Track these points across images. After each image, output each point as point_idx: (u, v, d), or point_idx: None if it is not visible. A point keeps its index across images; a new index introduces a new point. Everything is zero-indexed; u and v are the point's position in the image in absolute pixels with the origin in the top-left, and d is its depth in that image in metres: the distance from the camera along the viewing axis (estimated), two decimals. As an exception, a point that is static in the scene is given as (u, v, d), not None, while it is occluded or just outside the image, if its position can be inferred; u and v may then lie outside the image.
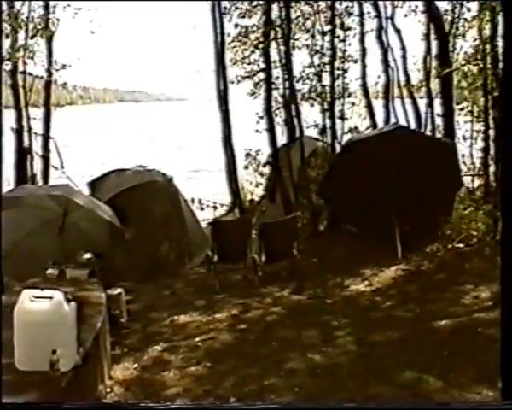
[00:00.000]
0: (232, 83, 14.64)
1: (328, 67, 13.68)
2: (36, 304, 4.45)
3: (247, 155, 14.98)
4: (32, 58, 13.40)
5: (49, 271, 6.93)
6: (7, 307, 4.71)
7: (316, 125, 14.04)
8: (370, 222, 9.97)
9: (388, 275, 8.83)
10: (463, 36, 13.27)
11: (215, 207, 14.84)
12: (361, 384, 5.31)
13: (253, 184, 15.48)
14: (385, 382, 5.31)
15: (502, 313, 3.45)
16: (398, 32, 14.03)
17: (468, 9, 13.04)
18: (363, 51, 14.21)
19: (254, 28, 14.47)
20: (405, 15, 14.21)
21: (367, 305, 7.73)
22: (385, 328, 6.72)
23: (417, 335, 6.43)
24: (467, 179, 12.30)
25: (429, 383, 5.18)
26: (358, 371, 5.63)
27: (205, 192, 15.40)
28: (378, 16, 13.97)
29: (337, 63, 13.69)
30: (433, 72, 13.56)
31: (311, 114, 14.15)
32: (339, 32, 13.80)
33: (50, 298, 4.47)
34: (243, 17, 14.53)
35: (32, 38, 13.36)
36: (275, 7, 13.44)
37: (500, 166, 10.18)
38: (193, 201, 13.33)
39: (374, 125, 14.08)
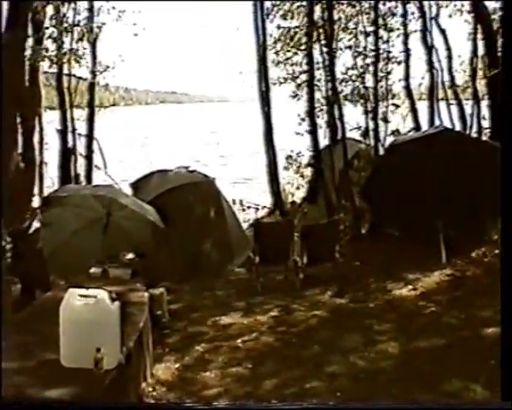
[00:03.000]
0: (274, 84, 14.63)
1: (371, 69, 13.51)
2: (81, 303, 4.51)
3: (289, 156, 14.94)
4: (78, 62, 13.63)
5: (93, 269, 7.03)
6: (53, 305, 4.78)
7: (359, 128, 13.88)
8: (414, 225, 9.78)
9: (432, 280, 8.64)
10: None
11: (257, 209, 14.84)
12: (404, 391, 5.19)
13: (295, 186, 15.41)
14: (429, 390, 5.18)
15: (502, 314, 3.38)
16: (442, 32, 13.79)
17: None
18: (407, 52, 13.99)
19: (297, 29, 14.44)
20: (450, 16, 13.97)
21: (410, 310, 7.57)
22: (429, 334, 6.58)
23: (463, 342, 6.28)
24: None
25: (476, 392, 5.04)
26: (402, 377, 5.53)
27: (246, 193, 15.41)
28: (422, 17, 13.76)
29: (380, 65, 13.52)
30: (480, 72, 13.28)
31: (352, 116, 14.00)
32: (382, 32, 13.63)
33: (95, 297, 4.52)
34: (285, 18, 14.52)
35: (77, 41, 13.60)
36: (317, 8, 13.37)
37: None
38: (234, 202, 13.35)
39: (417, 127, 13.85)
